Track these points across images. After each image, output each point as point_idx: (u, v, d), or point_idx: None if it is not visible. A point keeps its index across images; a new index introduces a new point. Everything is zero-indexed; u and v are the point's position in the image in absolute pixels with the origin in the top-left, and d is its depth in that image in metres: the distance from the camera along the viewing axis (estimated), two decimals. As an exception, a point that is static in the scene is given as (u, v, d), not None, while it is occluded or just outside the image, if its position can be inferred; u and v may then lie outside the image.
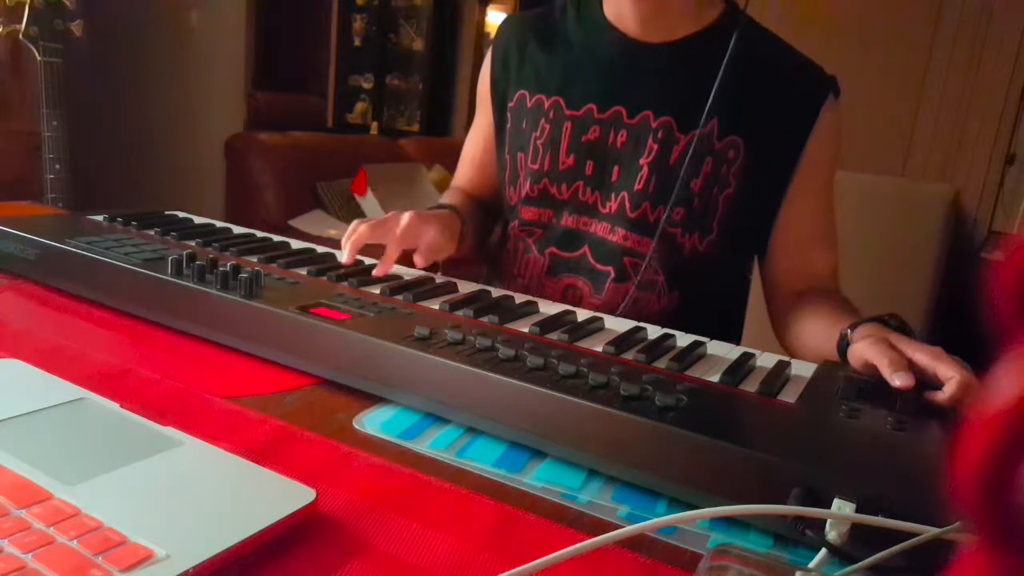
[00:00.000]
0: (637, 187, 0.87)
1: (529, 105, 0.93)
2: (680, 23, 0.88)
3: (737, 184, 0.86)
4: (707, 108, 0.82)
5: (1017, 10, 2.41)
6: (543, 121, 0.92)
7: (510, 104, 0.96)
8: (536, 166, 0.92)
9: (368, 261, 0.81)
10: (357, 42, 3.68)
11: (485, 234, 1.03)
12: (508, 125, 0.97)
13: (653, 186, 0.87)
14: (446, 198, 1.00)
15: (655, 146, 0.86)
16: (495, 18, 4.04)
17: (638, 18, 0.87)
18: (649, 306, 0.89)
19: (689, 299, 0.89)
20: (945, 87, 2.54)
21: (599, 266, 0.90)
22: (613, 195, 0.89)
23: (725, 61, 0.81)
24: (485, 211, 1.03)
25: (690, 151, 0.84)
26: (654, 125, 0.87)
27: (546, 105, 0.92)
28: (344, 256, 0.78)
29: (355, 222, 0.80)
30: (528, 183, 0.93)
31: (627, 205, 0.88)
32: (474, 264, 1.03)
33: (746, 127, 0.86)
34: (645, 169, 0.87)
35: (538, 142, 0.92)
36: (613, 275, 0.89)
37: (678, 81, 0.87)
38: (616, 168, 0.89)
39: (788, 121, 0.87)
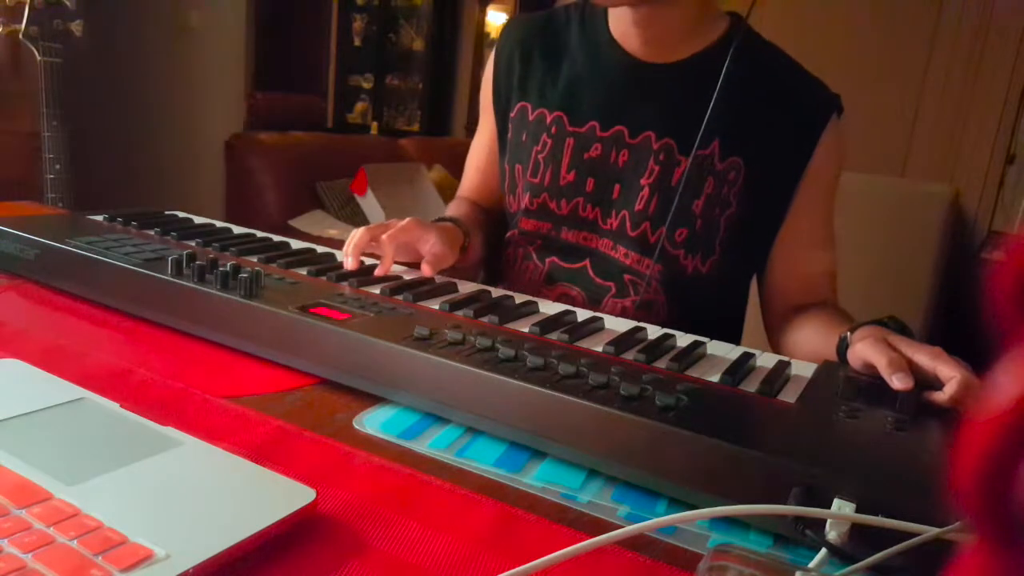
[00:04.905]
0: (638, 207, 0.87)
1: (530, 118, 0.93)
2: (684, 42, 0.87)
3: (739, 204, 0.86)
4: (705, 129, 0.81)
5: (1017, 10, 2.41)
6: (545, 136, 0.91)
7: (511, 114, 0.95)
8: (536, 180, 0.91)
9: (369, 261, 0.81)
10: (357, 42, 3.69)
11: (493, 242, 1.02)
12: (509, 135, 0.96)
13: (654, 207, 0.86)
14: (450, 211, 0.98)
15: (656, 167, 0.86)
16: (495, 18, 4.04)
17: (642, 38, 0.87)
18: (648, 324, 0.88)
19: (688, 319, 0.88)
20: (945, 87, 2.54)
21: (599, 280, 0.90)
22: (614, 212, 0.89)
23: (719, 83, 0.80)
24: (492, 219, 1.02)
25: (691, 172, 0.84)
26: (655, 147, 0.86)
27: (548, 119, 0.91)
28: (348, 264, 0.77)
29: (358, 229, 0.80)
30: (528, 196, 0.92)
31: (628, 224, 0.88)
32: (468, 272, 1.02)
33: (748, 148, 0.85)
34: (646, 190, 0.86)
35: (539, 156, 0.91)
36: (613, 291, 0.89)
37: (680, 102, 0.86)
38: (617, 186, 0.88)
39: (790, 141, 0.86)
